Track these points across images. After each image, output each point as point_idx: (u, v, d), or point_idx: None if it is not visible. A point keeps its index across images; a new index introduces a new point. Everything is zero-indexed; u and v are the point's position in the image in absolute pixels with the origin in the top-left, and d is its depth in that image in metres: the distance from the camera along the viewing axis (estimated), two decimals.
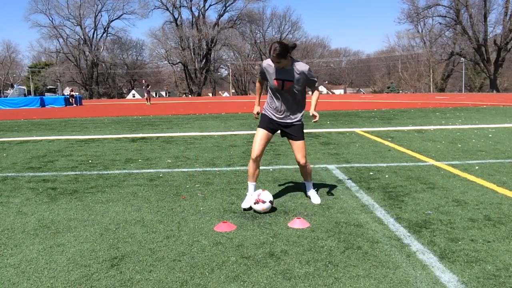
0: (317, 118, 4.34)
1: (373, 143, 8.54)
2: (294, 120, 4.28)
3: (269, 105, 4.29)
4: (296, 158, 4.36)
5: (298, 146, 4.33)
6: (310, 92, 4.60)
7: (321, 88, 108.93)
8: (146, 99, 31.56)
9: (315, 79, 4.20)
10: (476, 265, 2.86)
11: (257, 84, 4.52)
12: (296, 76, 4.08)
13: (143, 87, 30.44)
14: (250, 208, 4.20)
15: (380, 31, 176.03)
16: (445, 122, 12.82)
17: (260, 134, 4.26)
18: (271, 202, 4.05)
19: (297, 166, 6.31)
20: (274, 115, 4.26)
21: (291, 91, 4.14)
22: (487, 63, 69.58)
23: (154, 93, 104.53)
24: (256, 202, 4.01)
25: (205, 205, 4.41)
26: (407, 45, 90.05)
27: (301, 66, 4.08)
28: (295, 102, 4.23)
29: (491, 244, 3.21)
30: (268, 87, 4.26)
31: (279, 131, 4.40)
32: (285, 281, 2.70)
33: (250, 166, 4.31)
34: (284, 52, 3.89)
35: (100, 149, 8.65)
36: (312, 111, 4.32)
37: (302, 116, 4.33)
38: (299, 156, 4.33)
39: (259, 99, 4.53)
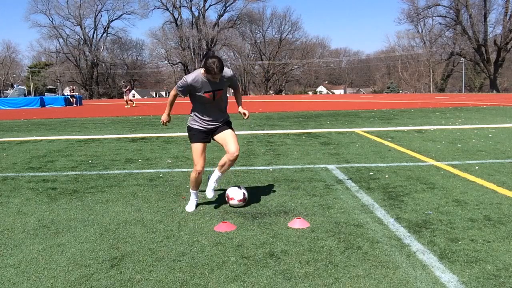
0: (248, 115, 4.32)
1: (373, 143, 8.54)
2: (223, 119, 4.27)
3: (200, 117, 4.17)
4: (230, 149, 4.11)
5: (229, 133, 4.19)
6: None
7: (321, 87, 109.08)
8: (126, 101, 30.60)
9: (236, 80, 4.24)
10: (476, 265, 2.86)
11: (172, 97, 4.26)
12: (225, 83, 4.09)
13: (124, 89, 29.56)
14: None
15: (380, 31, 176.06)
16: (445, 122, 12.82)
17: (199, 149, 4.18)
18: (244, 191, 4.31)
19: (297, 166, 6.32)
20: (207, 125, 4.19)
21: (220, 98, 4.13)
22: (487, 63, 69.57)
23: (154, 93, 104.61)
24: (240, 201, 4.28)
25: (205, 205, 4.41)
26: (407, 45, 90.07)
27: (227, 72, 4.04)
28: (224, 106, 4.26)
29: (491, 244, 3.21)
30: (194, 100, 4.14)
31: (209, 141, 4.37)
32: (285, 281, 2.70)
33: (195, 178, 4.22)
34: (223, 66, 3.85)
35: (100, 149, 8.65)
36: (241, 109, 4.35)
37: (227, 113, 4.35)
38: (233, 146, 4.11)
39: (171, 109, 4.35)
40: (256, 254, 3.12)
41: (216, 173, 4.34)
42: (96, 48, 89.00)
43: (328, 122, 13.27)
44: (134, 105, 29.54)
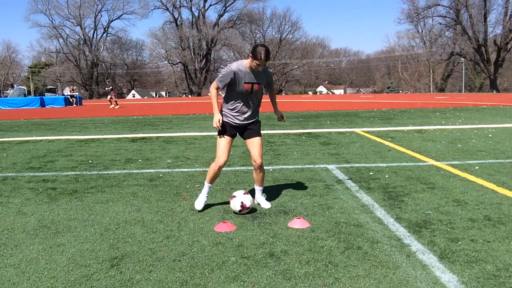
0: (285, 118, 4.47)
1: (373, 143, 8.54)
2: (255, 119, 4.26)
3: (231, 110, 4.14)
4: (253, 156, 4.19)
5: (256, 142, 4.20)
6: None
7: (321, 87, 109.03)
8: (110, 101, 30.18)
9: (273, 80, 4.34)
10: (476, 265, 2.86)
11: (215, 91, 4.14)
12: (264, 78, 4.13)
13: (109, 90, 29.15)
14: (204, 209, 4.25)
15: (380, 31, 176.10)
16: (445, 122, 12.82)
17: (225, 142, 4.14)
18: (251, 206, 4.07)
19: (297, 166, 6.32)
20: (237, 119, 4.15)
21: (257, 93, 4.13)
22: (487, 63, 69.57)
23: (154, 93, 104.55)
24: (241, 210, 4.03)
25: (205, 205, 4.40)
26: (407, 45, 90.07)
27: (268, 69, 4.16)
28: (258, 103, 4.24)
29: (491, 244, 3.21)
30: (231, 90, 4.11)
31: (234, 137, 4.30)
32: (285, 281, 2.70)
33: (214, 171, 4.16)
34: (269, 55, 3.90)
35: (100, 149, 8.65)
36: (278, 112, 4.48)
37: (259, 113, 4.34)
38: (256, 154, 4.17)
39: (217, 105, 4.21)
40: (256, 254, 3.12)
41: (257, 188, 4.39)
42: (96, 48, 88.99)
43: (328, 122, 13.27)
44: (117, 107, 28.46)
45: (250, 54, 3.96)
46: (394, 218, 3.86)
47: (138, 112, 22.46)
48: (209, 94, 4.54)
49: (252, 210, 4.13)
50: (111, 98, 28.98)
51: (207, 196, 4.30)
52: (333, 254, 3.10)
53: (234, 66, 4.04)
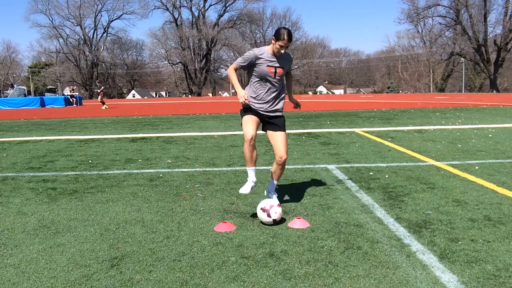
0: (301, 106, 4.50)
1: (373, 143, 8.54)
2: (278, 110, 4.19)
3: (254, 98, 4.13)
4: (278, 153, 4.09)
5: (281, 137, 4.13)
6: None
7: (321, 87, 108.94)
8: (101, 102, 30.01)
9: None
10: (476, 265, 2.86)
11: (233, 71, 4.14)
12: (286, 63, 4.15)
13: (98, 90, 29.00)
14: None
15: (380, 31, 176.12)
16: (445, 122, 12.82)
17: (250, 118, 4.08)
18: (275, 221, 3.74)
19: (297, 166, 6.31)
20: (262, 108, 4.13)
21: (280, 79, 4.13)
22: (487, 63, 69.57)
23: (154, 93, 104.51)
24: (263, 210, 3.73)
25: (205, 205, 4.41)
26: (407, 45, 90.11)
27: (290, 55, 4.22)
28: (280, 90, 4.20)
29: (491, 244, 3.21)
30: (253, 76, 4.13)
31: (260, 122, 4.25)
32: (285, 281, 2.70)
33: (247, 150, 4.04)
34: (292, 37, 3.98)
35: (100, 149, 8.65)
36: (293, 99, 4.46)
37: (283, 108, 4.26)
38: (282, 150, 4.08)
39: (239, 83, 4.13)
40: (256, 254, 3.12)
41: (272, 182, 4.31)
42: (96, 48, 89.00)
43: (328, 122, 13.27)
44: (105, 107, 28.16)
45: (273, 37, 3.99)
46: (394, 218, 3.86)
47: (138, 112, 22.45)
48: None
49: (275, 223, 3.77)
50: (101, 98, 28.81)
51: (254, 182, 4.10)
52: (333, 254, 3.10)
53: (257, 50, 4.10)
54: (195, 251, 3.20)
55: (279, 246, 3.27)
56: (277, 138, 4.14)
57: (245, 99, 3.99)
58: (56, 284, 2.72)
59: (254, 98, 4.14)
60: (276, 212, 3.73)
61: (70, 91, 35.54)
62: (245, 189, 4.10)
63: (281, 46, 3.96)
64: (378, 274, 2.75)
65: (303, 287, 2.62)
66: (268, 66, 4.06)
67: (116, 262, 3.03)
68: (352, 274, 2.77)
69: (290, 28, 4.04)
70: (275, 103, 4.18)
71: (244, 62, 4.09)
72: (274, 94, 4.15)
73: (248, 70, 4.16)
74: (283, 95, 4.26)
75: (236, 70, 4.17)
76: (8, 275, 2.88)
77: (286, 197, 4.64)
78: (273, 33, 4.02)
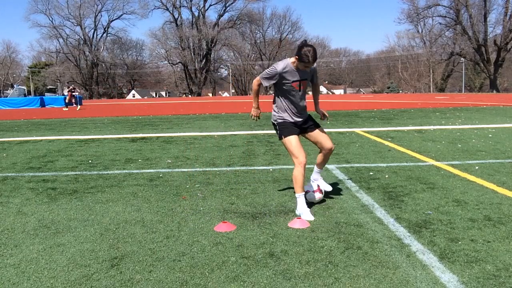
0: (327, 116, 4.50)
1: (373, 143, 8.54)
2: (307, 115, 4.29)
3: (284, 110, 4.13)
4: (324, 145, 4.21)
5: (321, 131, 4.24)
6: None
7: (321, 87, 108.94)
8: (74, 103, 29.55)
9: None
10: (476, 265, 2.86)
11: (256, 87, 4.24)
12: (309, 74, 4.13)
13: (68, 90, 28.57)
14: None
15: (380, 31, 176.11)
16: (445, 122, 12.82)
17: (295, 140, 4.08)
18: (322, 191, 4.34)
19: None
20: (295, 118, 4.15)
21: (304, 90, 4.15)
22: (487, 63, 69.56)
23: (154, 93, 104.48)
24: (319, 192, 4.30)
25: (205, 205, 4.41)
26: (407, 45, 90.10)
27: (314, 64, 4.11)
28: (305, 100, 4.23)
29: (491, 244, 3.21)
30: (281, 91, 4.10)
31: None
32: (285, 281, 2.70)
33: (301, 174, 4.01)
34: (317, 56, 3.91)
35: (100, 149, 8.65)
36: (320, 110, 4.45)
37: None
38: (328, 142, 4.21)
39: (258, 100, 4.34)
40: (256, 254, 3.12)
41: (320, 171, 4.47)
42: (96, 48, 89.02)
43: (328, 122, 13.27)
44: (65, 109, 27.53)
45: (296, 56, 3.90)
46: (394, 218, 3.86)
47: (138, 112, 22.46)
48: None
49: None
50: (70, 99, 28.10)
51: (307, 204, 4.09)
52: (333, 254, 3.10)
53: (280, 67, 4.00)
54: (195, 251, 3.20)
55: (279, 246, 3.27)
56: (318, 134, 4.23)
57: (255, 117, 4.36)
58: (56, 284, 2.72)
59: (287, 109, 4.13)
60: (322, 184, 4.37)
61: (70, 90, 35.34)
62: (309, 216, 3.89)
63: (306, 67, 3.95)
64: (378, 274, 2.76)
65: (303, 287, 2.62)
66: (293, 81, 4.02)
67: (116, 262, 3.03)
68: (352, 274, 2.77)
69: (314, 46, 3.94)
70: (304, 109, 4.22)
71: (267, 80, 4.09)
72: (302, 101, 4.16)
73: (273, 84, 4.13)
74: (306, 106, 4.28)
75: (259, 85, 4.21)
76: (8, 275, 2.88)
77: (286, 197, 4.64)
78: (296, 51, 3.88)
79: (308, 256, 3.07)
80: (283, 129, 4.13)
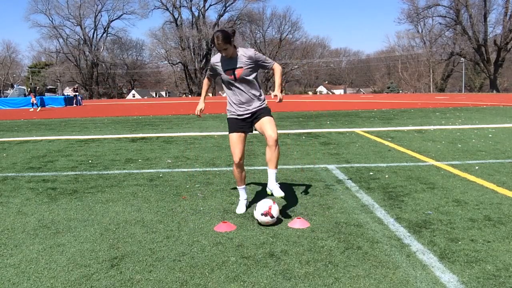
0: (278, 99, 3.95)
1: (373, 143, 8.54)
2: (259, 105, 4.06)
3: (230, 103, 4.10)
4: (266, 133, 3.92)
5: (266, 120, 3.98)
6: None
7: (321, 87, 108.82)
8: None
9: (265, 57, 4.04)
10: (476, 265, 2.86)
11: (205, 80, 4.32)
12: (245, 61, 3.94)
13: (30, 91, 28.65)
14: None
15: (380, 31, 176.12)
16: (445, 122, 12.82)
17: (235, 138, 4.09)
18: (278, 218, 3.78)
19: (298, 166, 6.31)
20: (240, 111, 4.04)
21: (245, 80, 3.97)
22: (487, 63, 69.57)
23: (154, 93, 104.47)
24: (265, 214, 3.68)
25: (205, 205, 4.41)
26: (407, 45, 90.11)
27: (247, 51, 3.97)
28: (253, 89, 4.02)
29: (491, 244, 3.21)
30: (223, 83, 4.12)
31: (249, 131, 4.19)
32: (285, 281, 2.70)
33: (236, 171, 4.17)
34: (228, 36, 3.77)
35: (100, 149, 8.65)
36: (275, 91, 3.97)
37: (265, 101, 4.12)
38: (269, 130, 3.90)
39: (205, 96, 4.39)
40: (256, 254, 3.12)
41: (270, 172, 4.02)
42: (96, 48, 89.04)
43: (328, 122, 13.26)
44: (31, 109, 27.50)
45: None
46: (394, 218, 3.86)
47: (138, 112, 22.45)
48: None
49: (277, 222, 3.79)
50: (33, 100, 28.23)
51: (245, 199, 4.25)
52: (333, 254, 3.10)
53: (213, 58, 4.06)
54: (195, 251, 3.20)
55: (279, 246, 3.27)
56: (263, 122, 3.99)
57: (197, 113, 4.31)
58: (56, 284, 2.72)
59: (232, 102, 4.09)
60: (276, 209, 3.75)
61: (73, 90, 35.25)
62: (241, 209, 4.18)
63: (219, 50, 3.87)
64: (378, 274, 2.75)
65: (303, 287, 2.62)
66: (226, 70, 3.98)
67: (116, 262, 3.03)
68: (352, 274, 2.77)
69: (228, 29, 3.89)
70: (252, 102, 4.04)
71: (209, 73, 4.15)
72: (246, 92, 4.01)
73: (216, 78, 4.19)
74: (260, 94, 4.08)
75: (210, 80, 4.27)
76: (8, 275, 2.88)
77: (286, 197, 4.64)
78: None
79: (308, 256, 3.07)
80: (228, 126, 4.15)
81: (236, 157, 4.09)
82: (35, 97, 28.34)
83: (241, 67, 3.95)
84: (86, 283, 2.72)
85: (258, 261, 3.00)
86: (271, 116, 4.07)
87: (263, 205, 3.72)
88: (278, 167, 6.28)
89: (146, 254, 3.16)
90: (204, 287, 2.65)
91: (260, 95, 4.10)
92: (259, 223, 3.76)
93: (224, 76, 4.02)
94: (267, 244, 3.31)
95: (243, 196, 4.26)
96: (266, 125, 3.98)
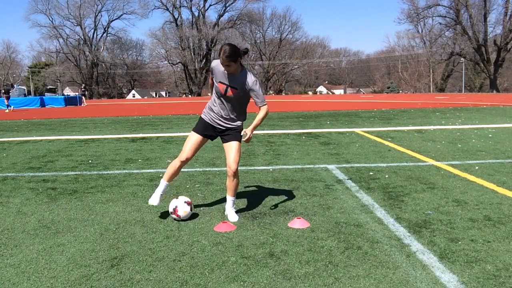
0: (246, 138, 3.85)
1: (373, 143, 8.54)
2: (232, 126, 3.95)
3: (210, 108, 3.98)
4: (228, 161, 3.85)
5: (231, 146, 3.88)
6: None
7: (321, 87, 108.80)
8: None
9: (261, 93, 3.84)
10: (476, 265, 2.86)
11: (210, 81, 4.07)
12: (242, 86, 3.78)
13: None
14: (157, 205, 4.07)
15: (380, 31, 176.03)
16: (445, 122, 12.82)
17: (194, 138, 3.95)
18: (188, 211, 3.88)
19: (297, 166, 6.32)
20: (213, 120, 3.94)
21: (234, 99, 3.84)
22: (487, 63, 69.58)
23: (154, 93, 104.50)
24: (172, 213, 3.87)
25: (205, 205, 4.41)
26: (407, 45, 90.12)
27: (249, 78, 3.77)
28: (236, 111, 3.92)
29: (491, 244, 3.21)
30: (213, 89, 3.99)
31: (211, 139, 4.08)
32: (285, 281, 2.70)
33: (174, 167, 3.96)
34: (235, 55, 3.60)
35: (100, 149, 8.65)
36: (248, 129, 3.87)
37: (242, 124, 4.01)
38: (231, 160, 3.83)
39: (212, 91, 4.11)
40: (256, 254, 3.12)
41: (228, 198, 4.00)
42: (96, 48, 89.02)
43: (328, 122, 13.26)
44: (7, 110, 27.46)
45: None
46: (394, 218, 3.86)
47: (138, 112, 22.45)
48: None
49: (193, 216, 3.95)
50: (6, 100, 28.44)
51: (162, 194, 4.03)
52: (333, 254, 3.10)
53: (214, 61, 3.89)
54: (195, 251, 3.20)
55: (279, 246, 3.27)
56: (229, 147, 3.90)
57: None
58: (56, 284, 2.72)
59: (211, 109, 3.98)
60: (182, 209, 3.86)
61: (81, 91, 35.36)
62: (154, 200, 3.99)
63: (224, 65, 3.68)
64: (378, 274, 2.76)
65: (303, 287, 2.62)
66: (220, 82, 3.82)
67: (116, 262, 3.03)
68: (352, 274, 2.77)
69: (238, 46, 3.71)
70: (229, 121, 3.93)
71: (211, 73, 3.95)
72: (228, 113, 3.89)
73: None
74: (242, 117, 3.98)
75: (212, 79, 4.01)
76: (8, 275, 2.88)
77: (286, 197, 4.64)
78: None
79: (308, 256, 3.07)
80: (197, 123, 4.01)
81: (185, 155, 3.91)
82: (7, 98, 28.37)
83: (236, 89, 3.79)
84: (86, 283, 2.72)
85: (258, 261, 3.00)
86: (239, 141, 3.94)
87: (171, 205, 3.91)
88: (277, 167, 6.29)
89: (146, 254, 3.16)
90: (204, 287, 2.65)
91: (241, 117, 3.98)
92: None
93: (216, 86, 3.87)
94: (267, 244, 3.31)
95: (162, 189, 4.03)
96: (230, 152, 3.88)
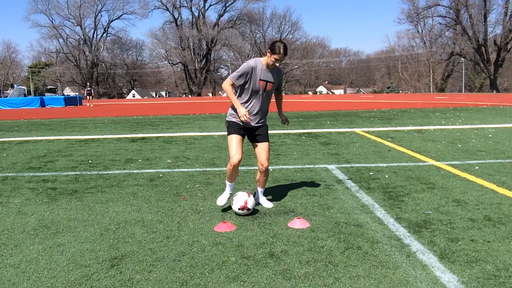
0: (287, 122, 4.53)
1: (373, 143, 8.54)
2: (262, 122, 4.24)
3: (239, 110, 4.06)
4: (260, 160, 4.21)
5: (264, 147, 4.22)
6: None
7: (321, 87, 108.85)
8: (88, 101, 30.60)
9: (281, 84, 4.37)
10: (476, 265, 2.86)
11: (230, 87, 4.04)
12: (277, 78, 4.14)
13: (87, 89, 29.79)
14: (228, 206, 4.27)
15: (380, 31, 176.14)
16: (445, 122, 12.82)
17: (235, 140, 4.13)
18: (254, 208, 4.12)
19: (297, 166, 6.32)
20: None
21: (269, 93, 4.14)
22: (487, 63, 69.57)
23: (154, 93, 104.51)
24: (242, 209, 4.00)
25: (205, 205, 4.41)
26: (407, 45, 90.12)
27: (281, 70, 4.21)
28: (267, 104, 4.22)
29: (491, 244, 3.21)
30: (244, 89, 4.05)
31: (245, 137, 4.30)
32: (285, 281, 2.70)
33: (232, 171, 4.16)
34: (287, 52, 3.93)
35: (100, 149, 8.65)
36: (283, 115, 4.49)
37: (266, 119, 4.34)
38: (263, 158, 4.20)
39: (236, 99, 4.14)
40: (256, 254, 3.12)
41: (259, 189, 4.40)
42: (96, 48, 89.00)
43: (328, 122, 13.26)
44: None
45: (268, 50, 3.98)
46: (394, 218, 3.86)
47: (138, 112, 22.45)
48: (221, 93, 4.53)
49: (253, 212, 4.11)
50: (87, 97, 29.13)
51: (230, 193, 4.31)
52: (333, 254, 3.10)
53: (252, 62, 4.05)
54: (195, 251, 3.20)
55: (279, 246, 3.27)
56: (261, 148, 4.22)
57: (247, 118, 3.97)
58: (56, 284, 2.72)
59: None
60: (252, 201, 4.04)
61: (88, 88, 35.45)
62: (221, 201, 4.26)
63: (276, 60, 3.95)
64: (378, 274, 2.75)
65: (303, 287, 2.62)
66: (261, 80, 4.03)
67: (116, 262, 3.03)
68: (352, 274, 2.77)
69: (286, 43, 4.08)
70: (261, 117, 4.19)
71: (240, 77, 4.00)
72: (262, 108, 4.15)
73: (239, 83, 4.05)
74: (268, 109, 4.28)
75: (232, 85, 4.05)
76: (8, 275, 2.88)
77: (286, 197, 4.64)
78: (269, 46, 3.99)
79: (308, 256, 3.07)
80: (229, 128, 4.19)
81: (235, 159, 4.08)
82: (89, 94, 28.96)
83: (273, 83, 4.12)
84: (86, 283, 2.72)
85: (258, 261, 3.00)
86: (269, 140, 4.31)
87: (239, 200, 4.02)
88: (278, 167, 6.28)
89: (146, 254, 3.16)
90: (204, 287, 2.65)
91: (268, 111, 4.29)
92: (236, 213, 4.08)
93: (256, 85, 4.03)
94: (267, 244, 3.31)
95: (228, 191, 4.30)
96: (262, 152, 4.23)
